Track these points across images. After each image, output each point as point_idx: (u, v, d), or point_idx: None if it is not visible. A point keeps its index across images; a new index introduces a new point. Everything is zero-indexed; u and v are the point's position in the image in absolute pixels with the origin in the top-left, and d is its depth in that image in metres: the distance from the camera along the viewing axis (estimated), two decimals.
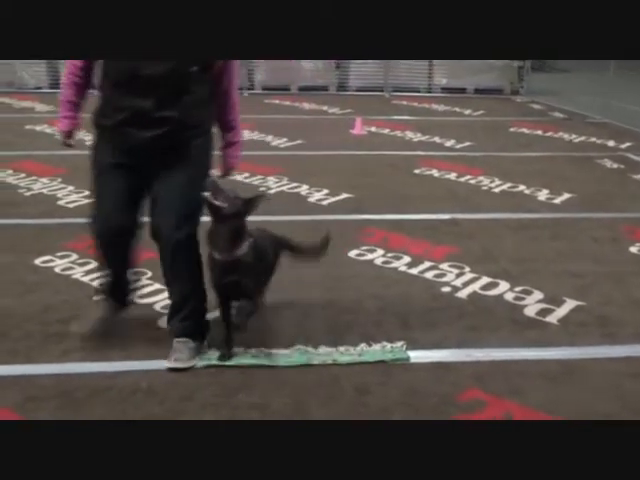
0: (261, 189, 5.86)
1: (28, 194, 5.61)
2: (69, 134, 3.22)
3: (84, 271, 4.11)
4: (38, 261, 4.25)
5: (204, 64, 3.00)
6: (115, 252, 3.25)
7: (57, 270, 4.13)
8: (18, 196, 5.56)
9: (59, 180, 5.93)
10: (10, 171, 6.17)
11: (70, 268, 4.15)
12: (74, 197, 5.52)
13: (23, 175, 6.08)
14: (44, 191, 5.68)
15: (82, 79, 3.11)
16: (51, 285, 3.94)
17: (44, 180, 5.94)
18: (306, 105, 9.93)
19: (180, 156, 3.05)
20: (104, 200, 3.13)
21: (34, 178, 5.99)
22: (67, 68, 3.13)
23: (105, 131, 3.07)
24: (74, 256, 4.31)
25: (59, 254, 4.34)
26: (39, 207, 5.30)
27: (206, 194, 2.99)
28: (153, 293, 3.85)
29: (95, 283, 3.62)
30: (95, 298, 3.44)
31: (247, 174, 6.25)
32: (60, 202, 5.40)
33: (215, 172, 3.24)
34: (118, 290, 3.37)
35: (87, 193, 5.48)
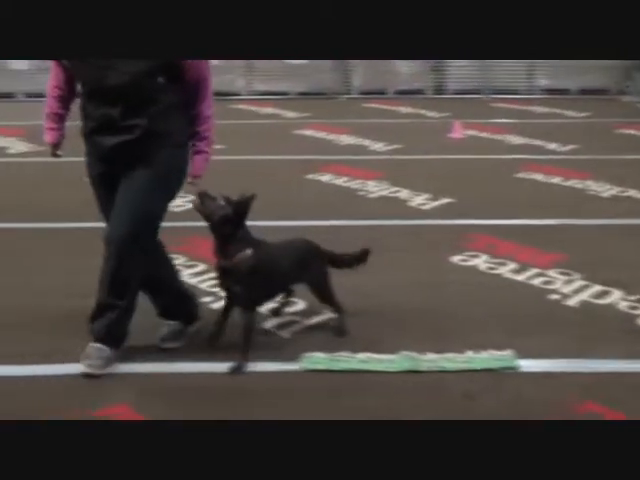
0: (360, 193, 5.87)
1: None
2: (56, 146, 3.26)
3: (191, 273, 4.20)
4: None
5: (171, 74, 3.03)
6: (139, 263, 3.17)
7: None
8: None
9: None
10: None
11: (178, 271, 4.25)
12: (179, 201, 5.64)
13: None
14: None
15: (65, 91, 3.16)
16: None
17: None
18: (403, 109, 9.87)
19: (146, 164, 3.06)
20: (103, 212, 3.21)
21: None
22: (51, 80, 3.16)
23: (85, 140, 3.14)
24: (182, 259, 4.41)
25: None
26: None
27: (195, 203, 3.06)
28: None
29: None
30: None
31: (346, 178, 6.27)
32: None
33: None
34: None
35: (191, 197, 5.66)
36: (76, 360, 3.18)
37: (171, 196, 3.22)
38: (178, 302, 3.46)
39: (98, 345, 3.16)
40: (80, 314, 3.69)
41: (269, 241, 3.30)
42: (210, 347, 3.27)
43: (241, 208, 3.09)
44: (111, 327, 3.17)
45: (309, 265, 3.39)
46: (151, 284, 3.32)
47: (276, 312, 3.63)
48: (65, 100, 3.19)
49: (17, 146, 7.70)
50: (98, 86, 2.98)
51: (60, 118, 3.22)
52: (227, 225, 3.08)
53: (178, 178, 3.19)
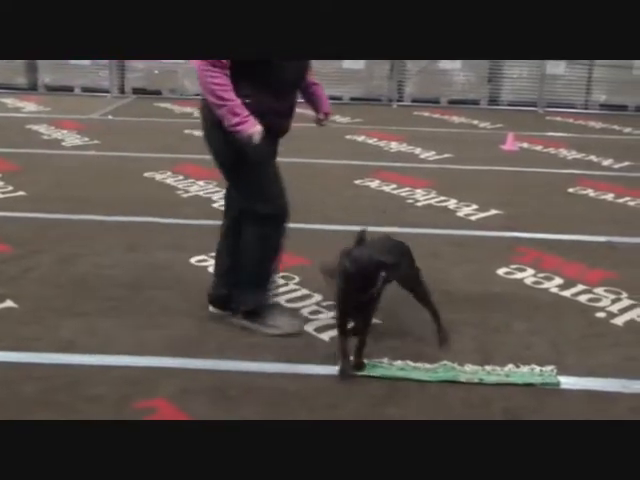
0: (408, 201, 5.86)
1: (185, 196, 5.88)
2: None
3: None
4: (193, 260, 4.45)
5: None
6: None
7: (210, 270, 4.29)
8: (176, 197, 5.84)
9: (214, 184, 6.17)
10: (169, 173, 6.51)
11: None
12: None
13: (181, 177, 6.39)
14: (200, 194, 5.94)
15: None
16: (207, 284, 4.08)
17: (200, 183, 6.21)
18: (456, 119, 9.81)
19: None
20: (277, 184, 3.49)
21: (191, 181, 6.28)
22: (219, 77, 3.15)
23: (264, 128, 3.26)
24: None
25: (212, 254, 4.51)
26: (195, 209, 5.55)
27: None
28: (301, 298, 3.92)
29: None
30: None
31: (394, 185, 6.26)
32: (214, 205, 5.62)
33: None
34: None
35: None
36: (122, 352, 3.27)
37: None
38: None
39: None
40: (122, 306, 3.79)
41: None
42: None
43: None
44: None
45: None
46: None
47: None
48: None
49: (71, 139, 7.90)
50: (301, 76, 3.40)
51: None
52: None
53: None
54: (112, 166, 6.83)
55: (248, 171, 3.39)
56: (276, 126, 3.36)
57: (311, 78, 3.57)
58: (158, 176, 6.43)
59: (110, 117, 9.45)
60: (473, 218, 5.47)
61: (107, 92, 11.03)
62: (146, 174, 6.47)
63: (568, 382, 3.16)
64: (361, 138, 8.30)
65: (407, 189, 6.18)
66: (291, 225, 5.07)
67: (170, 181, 6.30)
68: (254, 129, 3.21)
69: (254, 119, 3.22)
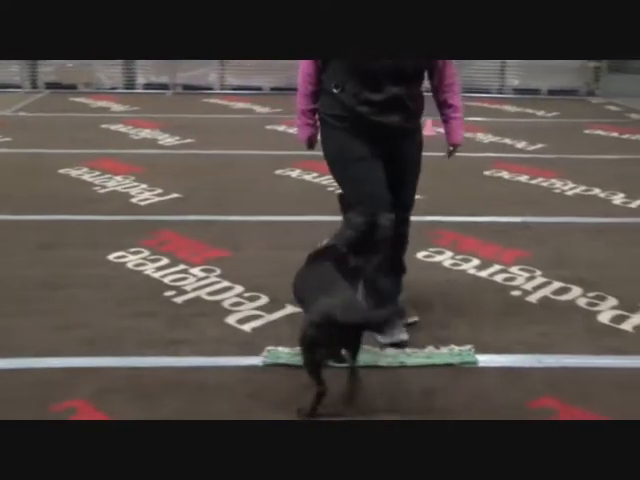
0: (329, 189, 5.88)
1: (102, 191, 5.76)
2: (312, 140, 3.35)
3: (155, 267, 4.19)
4: (112, 256, 4.36)
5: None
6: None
7: (130, 266, 4.23)
8: (93, 193, 5.71)
9: (132, 178, 6.07)
10: (85, 168, 6.35)
11: (142, 264, 4.24)
12: (147, 195, 5.64)
13: (98, 173, 6.25)
14: (118, 189, 5.82)
15: (316, 86, 3.24)
16: (125, 280, 4.04)
17: (118, 178, 6.09)
18: None
19: (412, 143, 3.34)
20: (376, 186, 3.24)
21: (109, 176, 6.15)
22: (302, 77, 3.25)
23: (353, 122, 3.16)
24: (145, 252, 4.40)
25: (132, 250, 4.44)
26: (113, 204, 5.44)
27: None
28: (222, 290, 3.90)
29: None
30: None
31: (316, 174, 6.28)
32: (133, 200, 5.53)
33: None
34: None
35: (159, 191, 5.67)
36: (40, 353, 3.19)
37: None
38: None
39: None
40: (36, 307, 3.70)
41: None
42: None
43: None
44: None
45: None
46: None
47: None
48: (315, 95, 3.25)
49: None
50: (393, 68, 3.07)
51: (313, 113, 3.28)
52: None
53: None
54: (25, 163, 6.63)
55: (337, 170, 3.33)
56: (370, 118, 3.14)
57: (453, 98, 3.37)
58: (74, 172, 6.27)
59: (23, 113, 9.17)
60: None
61: (19, 87, 10.70)
62: (61, 170, 6.30)
63: (485, 360, 3.24)
64: (282, 128, 8.29)
65: (328, 177, 6.19)
66: (210, 217, 5.10)
67: (86, 177, 6.15)
68: (301, 136, 3.33)
69: (304, 126, 3.29)
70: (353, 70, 3.10)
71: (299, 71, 3.27)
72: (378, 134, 3.19)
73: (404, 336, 3.33)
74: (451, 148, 3.51)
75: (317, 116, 3.32)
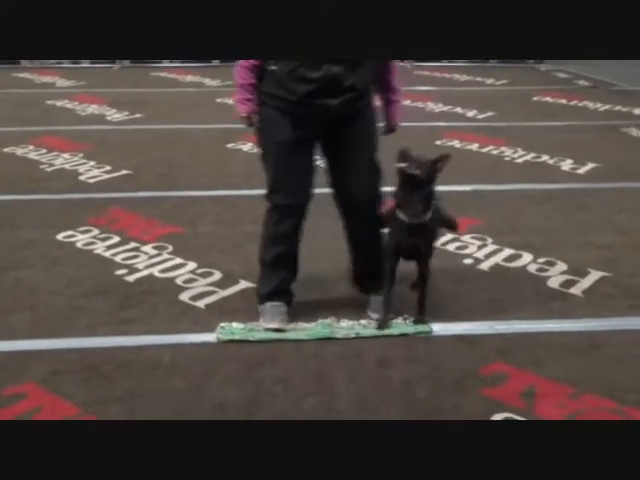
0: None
1: (50, 170, 5.63)
2: (251, 116, 3.15)
3: (105, 246, 4.12)
4: (60, 236, 4.28)
5: None
6: (297, 227, 3.26)
7: (79, 245, 4.15)
8: (40, 172, 5.58)
9: (80, 155, 5.94)
10: (31, 147, 6.20)
11: (92, 243, 4.17)
12: (95, 172, 5.53)
13: (44, 151, 6.10)
14: (66, 167, 5.69)
15: (258, 60, 3.05)
16: (74, 260, 3.96)
17: (65, 156, 5.95)
18: None
19: (361, 122, 3.13)
20: (289, 173, 3.13)
21: (55, 154, 6.01)
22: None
23: (286, 104, 3.02)
24: (95, 231, 4.33)
25: (81, 229, 4.35)
26: (61, 183, 5.32)
27: (399, 164, 3.01)
28: (175, 267, 3.86)
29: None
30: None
31: None
32: (81, 177, 5.42)
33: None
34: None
35: (108, 168, 5.57)
36: None
37: None
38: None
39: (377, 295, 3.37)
40: None
41: None
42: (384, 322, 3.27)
43: (440, 166, 3.09)
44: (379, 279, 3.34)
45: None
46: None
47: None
48: (257, 69, 3.05)
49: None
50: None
51: (254, 88, 3.09)
52: (429, 183, 3.08)
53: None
54: None
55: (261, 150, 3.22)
56: (305, 98, 2.95)
57: (394, 80, 3.27)
58: (19, 151, 6.11)
59: None
60: None
61: None
62: (5, 149, 6.13)
63: (439, 328, 3.28)
64: (232, 101, 8.18)
65: None
66: (161, 194, 5.02)
67: (32, 155, 5.99)
68: (241, 110, 3.12)
69: (244, 100, 3.10)
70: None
71: None
72: (314, 116, 3.03)
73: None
74: (384, 129, 3.37)
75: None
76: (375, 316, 3.32)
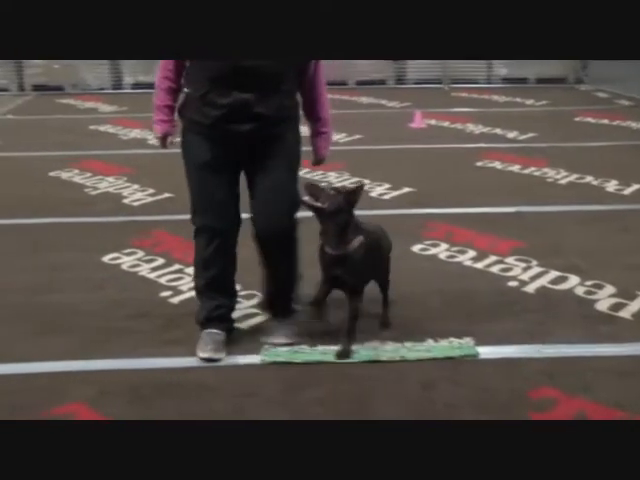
0: (322, 184, 5.84)
1: (94, 193, 5.72)
2: (167, 137, 3.22)
3: (150, 268, 4.17)
4: (105, 258, 4.33)
5: (301, 61, 3.04)
6: (225, 250, 3.24)
7: (124, 267, 4.20)
8: (85, 195, 5.67)
9: (124, 179, 6.03)
10: (76, 170, 6.31)
11: (137, 265, 4.22)
12: (139, 195, 5.61)
13: (89, 174, 6.21)
14: (110, 190, 5.78)
15: (176, 83, 3.12)
16: (119, 282, 4.01)
17: (109, 179, 6.05)
18: (364, 99, 9.89)
19: (277, 147, 3.09)
20: (209, 196, 3.14)
21: (100, 177, 6.11)
22: (160, 72, 3.13)
23: (201, 127, 3.06)
24: (140, 253, 4.38)
25: (125, 251, 4.41)
26: (105, 205, 5.40)
27: (305, 197, 3.02)
28: None
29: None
30: None
31: (306, 170, 6.24)
32: (125, 200, 5.50)
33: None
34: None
35: (151, 191, 5.64)
36: (32, 358, 3.16)
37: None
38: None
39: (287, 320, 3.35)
40: (27, 312, 3.66)
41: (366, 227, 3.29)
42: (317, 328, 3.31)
43: (352, 196, 3.09)
44: (289, 304, 3.38)
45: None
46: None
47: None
48: (175, 92, 3.13)
49: None
50: (231, 69, 2.89)
51: (171, 110, 3.16)
52: (341, 214, 3.07)
53: (301, 158, 3.23)
54: (15, 167, 6.58)
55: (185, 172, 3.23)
56: (216, 123, 3.00)
57: (323, 110, 3.27)
58: (64, 174, 6.23)
59: (10, 116, 9.10)
60: (386, 197, 5.52)
61: (6, 90, 10.62)
62: (51, 173, 6.26)
63: (485, 351, 3.23)
64: None
65: (319, 172, 6.18)
66: None
67: (77, 179, 6.11)
68: (156, 131, 3.19)
69: (159, 122, 3.16)
70: (205, 70, 2.96)
71: (159, 65, 3.15)
72: (228, 140, 3.04)
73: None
74: (316, 160, 3.36)
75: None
76: (277, 341, 3.27)
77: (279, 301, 3.38)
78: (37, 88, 10.78)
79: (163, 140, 3.22)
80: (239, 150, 3.09)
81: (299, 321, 3.37)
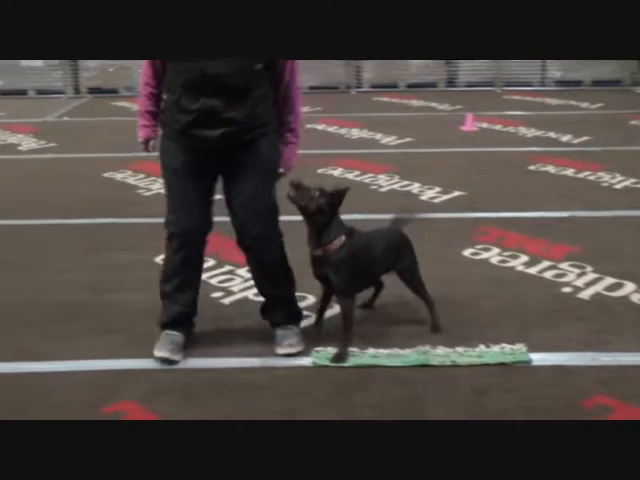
0: (372, 187, 5.85)
1: (147, 194, 5.81)
2: (149, 141, 3.27)
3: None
4: (158, 259, 4.38)
5: (268, 62, 3.02)
6: (195, 257, 3.29)
7: None
8: (138, 196, 5.76)
9: None
10: (129, 172, 6.42)
11: None
12: None
13: (142, 176, 6.30)
14: (162, 191, 5.82)
15: (155, 87, 3.15)
16: None
17: (161, 181, 6.11)
18: (415, 102, 9.83)
19: (250, 155, 3.09)
20: (182, 201, 3.18)
21: (153, 179, 6.19)
22: (142, 78, 3.19)
23: (174, 133, 3.11)
24: None
25: None
26: (158, 207, 5.45)
27: (289, 193, 3.05)
28: None
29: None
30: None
31: (357, 172, 6.25)
32: None
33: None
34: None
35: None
36: (89, 356, 3.23)
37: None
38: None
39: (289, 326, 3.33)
40: (83, 311, 3.73)
41: (362, 230, 3.32)
42: (316, 335, 3.34)
43: (335, 198, 3.11)
44: (289, 308, 3.41)
45: (401, 255, 3.41)
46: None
47: (368, 304, 3.62)
48: (156, 97, 3.18)
49: (28, 143, 7.76)
50: (198, 76, 2.92)
51: (153, 115, 3.21)
52: (322, 215, 3.10)
53: (278, 161, 3.23)
54: (70, 168, 6.72)
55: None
56: (187, 128, 3.02)
57: (296, 121, 3.23)
58: (118, 176, 6.34)
59: (66, 118, 9.30)
60: (436, 201, 5.48)
61: (62, 93, 10.86)
62: (106, 174, 6.37)
63: (537, 358, 3.18)
64: (321, 127, 8.27)
65: (370, 175, 6.18)
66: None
67: (131, 180, 6.21)
68: (139, 136, 3.23)
69: (142, 127, 3.21)
70: (178, 76, 2.98)
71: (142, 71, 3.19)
72: (199, 146, 3.06)
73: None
74: (282, 171, 3.27)
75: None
76: (283, 351, 3.24)
77: (276, 308, 3.38)
78: (92, 91, 11.00)
79: (145, 144, 3.27)
80: (212, 157, 3.10)
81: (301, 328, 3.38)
